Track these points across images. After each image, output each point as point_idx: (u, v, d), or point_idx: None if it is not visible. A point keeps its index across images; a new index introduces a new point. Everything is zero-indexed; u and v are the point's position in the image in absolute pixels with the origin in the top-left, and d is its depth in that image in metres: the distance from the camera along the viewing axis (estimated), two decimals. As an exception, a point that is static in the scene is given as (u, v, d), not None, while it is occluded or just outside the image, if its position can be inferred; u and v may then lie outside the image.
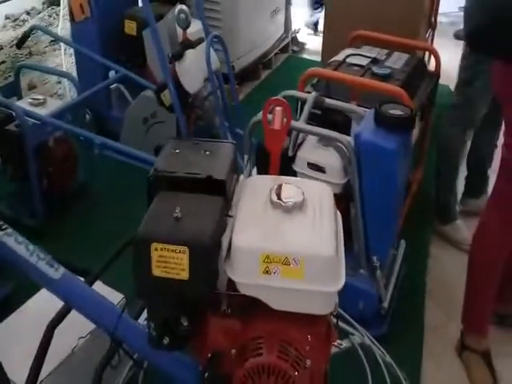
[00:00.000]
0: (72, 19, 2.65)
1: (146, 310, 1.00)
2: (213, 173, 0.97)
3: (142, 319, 1.17)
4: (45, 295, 1.44)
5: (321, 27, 3.94)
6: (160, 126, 2.45)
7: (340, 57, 2.19)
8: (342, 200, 1.61)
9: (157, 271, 0.87)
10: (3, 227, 1.05)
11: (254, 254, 0.87)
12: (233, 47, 2.86)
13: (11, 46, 2.76)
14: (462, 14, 2.02)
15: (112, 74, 2.66)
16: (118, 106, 2.77)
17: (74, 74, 2.82)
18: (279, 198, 0.95)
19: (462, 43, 2.16)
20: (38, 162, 2.07)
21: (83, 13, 2.58)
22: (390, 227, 1.68)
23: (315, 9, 4.52)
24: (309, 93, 1.86)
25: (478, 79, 2.02)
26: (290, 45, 4.10)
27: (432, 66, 2.38)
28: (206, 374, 0.94)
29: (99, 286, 1.26)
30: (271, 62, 3.83)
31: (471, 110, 2.11)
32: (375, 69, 2.06)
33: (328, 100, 1.79)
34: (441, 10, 3.09)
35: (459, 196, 2.39)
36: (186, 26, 2.17)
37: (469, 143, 2.26)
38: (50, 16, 2.98)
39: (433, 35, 3.08)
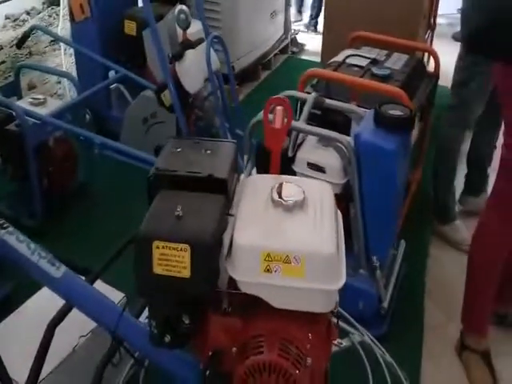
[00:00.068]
0: (72, 19, 2.65)
1: (146, 309, 1.00)
2: (214, 171, 0.97)
3: (143, 318, 1.18)
4: (45, 295, 1.44)
5: (320, 28, 3.96)
6: (160, 126, 2.45)
7: (340, 57, 2.20)
8: (342, 200, 1.62)
9: (158, 269, 0.87)
10: (4, 226, 1.05)
11: (255, 252, 0.88)
12: (232, 48, 2.86)
13: (11, 46, 2.76)
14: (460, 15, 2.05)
15: (112, 74, 2.66)
16: (117, 106, 2.77)
17: (74, 74, 2.82)
18: (280, 196, 0.95)
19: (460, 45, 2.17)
20: (38, 162, 2.08)
21: (83, 13, 2.58)
22: (390, 227, 1.68)
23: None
24: (308, 93, 1.87)
25: (473, 80, 2.03)
26: (290, 46, 4.11)
27: (431, 67, 2.39)
28: (207, 372, 0.94)
29: (100, 285, 1.26)
30: (271, 63, 3.84)
31: (466, 111, 2.12)
32: (375, 69, 2.06)
33: (328, 100, 1.80)
34: (440, 11, 3.11)
35: (458, 194, 2.40)
36: (186, 26, 2.17)
37: (466, 143, 2.27)
38: (49, 16, 2.98)
39: (432, 36, 3.09)
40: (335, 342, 1.27)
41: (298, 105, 1.92)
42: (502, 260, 1.64)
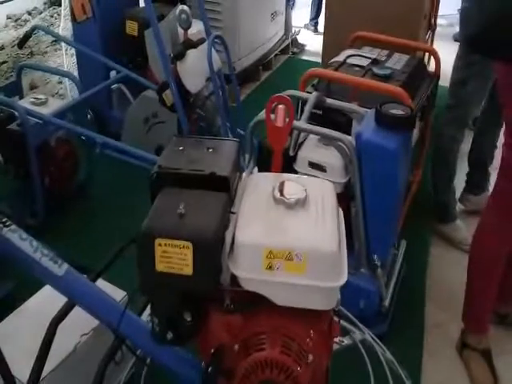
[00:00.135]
0: (73, 19, 2.66)
1: (148, 307, 1.01)
2: (216, 169, 0.98)
3: (145, 317, 1.18)
4: (46, 293, 1.45)
5: (320, 28, 3.97)
6: (161, 125, 2.46)
7: (340, 57, 2.20)
8: (343, 199, 1.62)
9: (160, 266, 0.88)
10: (7, 224, 1.05)
11: (257, 249, 0.88)
12: (233, 48, 2.88)
13: (13, 46, 2.77)
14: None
15: (113, 74, 2.67)
16: (119, 106, 2.78)
17: (76, 74, 2.83)
18: (282, 194, 0.95)
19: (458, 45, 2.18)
20: (39, 161, 2.08)
21: (85, 13, 2.59)
22: (391, 226, 1.69)
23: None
24: (309, 93, 1.87)
25: (471, 80, 2.04)
26: (290, 46, 4.12)
27: (432, 67, 2.39)
28: (209, 369, 0.95)
29: (101, 284, 1.26)
30: (271, 64, 3.85)
31: (464, 111, 2.13)
32: (376, 69, 2.07)
33: (329, 100, 1.80)
34: (440, 12, 3.11)
35: (459, 193, 2.40)
36: (187, 26, 2.18)
37: (466, 143, 2.27)
38: (51, 16, 2.99)
39: (432, 37, 3.09)
40: (336, 340, 1.27)
41: (299, 104, 1.93)
42: (502, 259, 1.65)
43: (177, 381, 1.13)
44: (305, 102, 1.79)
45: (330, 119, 1.87)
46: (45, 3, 2.95)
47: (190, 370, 1.10)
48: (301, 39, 4.28)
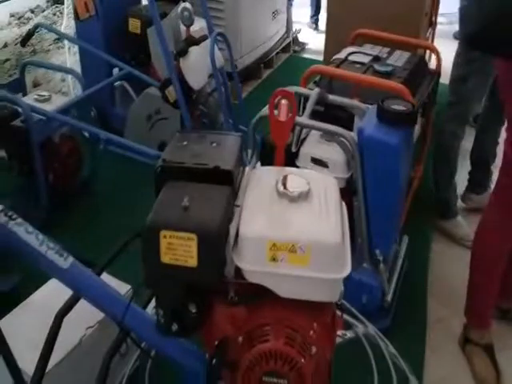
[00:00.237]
0: (76, 17, 2.67)
1: (153, 300, 1.02)
2: (220, 163, 0.99)
3: (149, 310, 1.19)
4: (51, 287, 1.46)
5: (321, 26, 3.98)
6: (164, 122, 2.47)
7: (342, 55, 2.21)
8: (345, 195, 1.62)
9: (165, 258, 0.89)
10: (13, 217, 1.06)
11: (260, 241, 0.89)
12: (235, 46, 2.88)
13: (16, 44, 2.77)
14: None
15: (116, 71, 2.68)
16: (121, 103, 2.79)
17: (79, 71, 2.83)
18: (285, 187, 0.96)
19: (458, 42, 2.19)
20: (43, 158, 2.09)
21: (88, 11, 2.60)
22: (393, 221, 1.70)
23: None
24: (311, 90, 1.88)
25: (471, 77, 2.05)
26: (292, 45, 4.12)
27: (433, 64, 2.40)
28: (214, 361, 0.96)
29: (106, 278, 1.28)
30: (272, 62, 3.86)
31: (465, 108, 2.14)
32: (377, 66, 2.08)
33: (331, 96, 1.81)
34: (440, 10, 3.11)
35: (460, 190, 2.41)
36: (189, 23, 2.20)
37: (467, 140, 2.28)
38: (54, 14, 3.00)
39: (433, 34, 3.09)
40: (339, 333, 1.28)
41: (301, 101, 1.94)
42: (504, 255, 1.66)
43: (181, 373, 1.15)
44: (307, 98, 1.79)
45: (332, 115, 1.88)
46: (48, 1, 2.95)
47: (194, 362, 1.11)
48: (302, 38, 4.29)
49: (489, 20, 1.36)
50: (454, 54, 2.14)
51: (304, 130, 1.76)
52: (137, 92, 2.63)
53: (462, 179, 2.38)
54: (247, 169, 1.12)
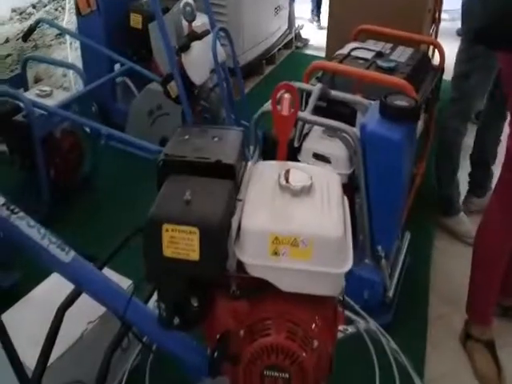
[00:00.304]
0: (78, 12, 2.66)
1: (154, 295, 1.02)
2: (222, 157, 0.99)
3: (151, 304, 1.19)
4: (52, 282, 1.46)
5: (324, 21, 3.96)
6: (165, 118, 2.47)
7: (345, 50, 2.20)
8: (348, 190, 1.62)
9: (168, 252, 0.89)
10: (15, 211, 1.06)
11: (262, 235, 0.89)
12: (237, 42, 2.88)
13: (17, 39, 2.77)
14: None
15: (117, 67, 2.68)
16: (123, 99, 2.79)
17: (80, 67, 2.83)
18: (287, 181, 0.96)
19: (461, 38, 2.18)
20: (45, 153, 2.09)
21: (89, 6, 2.59)
22: (395, 217, 1.69)
23: None
24: (313, 86, 1.87)
25: (473, 73, 2.04)
26: (294, 41, 4.11)
27: (436, 60, 2.39)
28: (215, 354, 0.96)
29: (107, 273, 1.27)
30: (274, 58, 3.85)
31: (467, 104, 2.13)
32: (380, 62, 2.07)
33: (334, 92, 1.80)
34: (444, 7, 3.10)
35: (462, 187, 2.40)
36: (191, 18, 2.19)
37: (469, 138, 2.27)
38: (55, 10, 2.99)
39: (436, 31, 3.08)
40: (341, 328, 1.28)
41: (304, 97, 1.93)
42: (506, 252, 1.65)
43: (182, 367, 1.15)
44: (309, 94, 1.79)
45: (334, 111, 1.87)
46: (49, -4, 2.95)
47: (195, 357, 1.11)
48: (304, 34, 4.28)
49: (493, 18, 1.38)
50: (456, 50, 2.13)
51: (306, 126, 1.75)
52: (138, 87, 2.62)
53: (462, 181, 2.37)
54: (249, 163, 1.12)
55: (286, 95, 1.08)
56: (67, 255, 1.07)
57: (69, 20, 3.00)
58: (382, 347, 1.36)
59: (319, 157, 1.69)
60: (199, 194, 0.92)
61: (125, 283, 1.41)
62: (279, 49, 3.90)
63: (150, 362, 1.25)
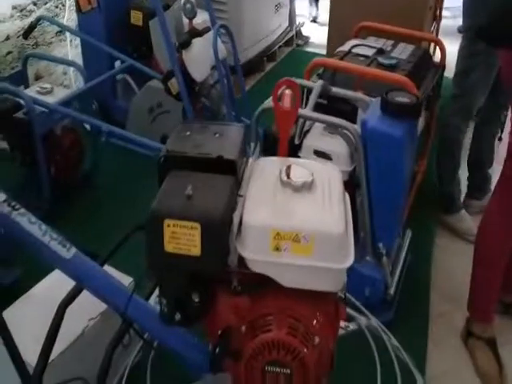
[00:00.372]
0: (78, 10, 2.65)
1: (155, 292, 1.01)
2: (223, 153, 0.98)
3: (152, 301, 1.19)
4: (53, 279, 1.46)
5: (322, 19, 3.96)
6: (165, 115, 2.46)
7: (345, 47, 2.20)
8: (349, 187, 1.62)
9: (169, 247, 0.89)
10: (16, 207, 1.06)
11: (264, 230, 0.89)
12: (237, 40, 2.85)
13: (18, 37, 2.77)
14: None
15: (118, 64, 2.67)
16: (123, 96, 2.78)
17: (81, 64, 2.83)
18: (289, 177, 0.96)
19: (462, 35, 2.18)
20: (45, 150, 2.09)
21: (90, 3, 2.58)
22: (396, 214, 1.69)
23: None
24: (314, 82, 1.87)
25: (475, 70, 2.03)
26: (295, 38, 4.10)
27: (437, 57, 2.38)
28: (217, 350, 0.96)
29: (108, 270, 1.27)
30: (275, 55, 3.84)
31: (469, 101, 2.12)
32: (381, 59, 2.06)
33: (335, 88, 1.80)
34: (445, 4, 3.09)
35: (464, 192, 2.40)
36: (192, 15, 2.19)
37: (468, 134, 2.27)
38: (56, 7, 2.99)
39: (437, 29, 3.07)
40: (342, 325, 1.28)
41: (304, 94, 1.93)
42: (507, 250, 1.65)
43: (183, 364, 1.15)
44: (310, 90, 1.78)
45: (335, 108, 1.87)
46: (49, -6, 2.95)
47: (196, 353, 1.11)
48: (305, 31, 4.27)
49: (494, 17, 1.40)
50: (458, 47, 2.13)
51: (307, 123, 1.75)
52: (139, 85, 2.62)
53: (463, 178, 2.37)
54: (250, 160, 1.11)
55: (287, 91, 1.07)
56: (68, 252, 1.07)
57: (69, 17, 3.00)
58: (383, 344, 1.36)
59: (320, 154, 1.69)
60: (200, 189, 0.91)
61: (125, 280, 1.41)
62: (280, 46, 3.89)
63: (151, 359, 1.25)
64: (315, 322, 0.94)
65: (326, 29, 2.97)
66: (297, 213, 0.91)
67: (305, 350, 0.91)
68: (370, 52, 2.14)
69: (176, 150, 1.00)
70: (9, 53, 2.77)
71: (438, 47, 2.33)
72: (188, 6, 2.15)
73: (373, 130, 1.56)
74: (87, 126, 2.34)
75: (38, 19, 2.56)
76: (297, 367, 0.91)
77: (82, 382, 1.27)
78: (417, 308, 1.90)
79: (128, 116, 2.57)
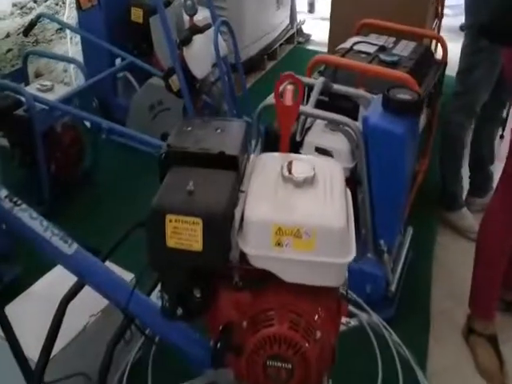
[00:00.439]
0: (79, 7, 2.65)
1: (157, 287, 1.01)
2: (225, 149, 0.98)
3: (153, 297, 1.19)
4: (54, 276, 1.46)
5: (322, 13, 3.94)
6: (166, 113, 2.46)
7: (347, 44, 2.20)
8: (350, 184, 1.61)
9: (171, 242, 0.88)
10: (18, 203, 1.06)
11: (265, 226, 0.89)
12: (238, 37, 2.85)
13: (18, 34, 2.76)
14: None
15: (118, 62, 2.67)
16: (124, 94, 2.78)
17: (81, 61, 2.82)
18: (290, 173, 0.96)
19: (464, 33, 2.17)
20: (45, 147, 2.09)
21: (90, 0, 2.58)
22: (397, 211, 1.69)
23: None
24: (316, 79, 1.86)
25: (478, 67, 2.03)
26: (296, 36, 4.10)
27: (439, 54, 2.38)
28: (218, 345, 0.96)
29: (109, 266, 1.27)
30: (276, 53, 3.83)
31: (472, 98, 2.12)
32: (383, 56, 2.06)
33: (336, 85, 1.80)
34: (447, 2, 3.08)
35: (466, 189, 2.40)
36: (192, 12, 2.18)
37: (470, 132, 2.27)
38: (56, 4, 2.99)
39: (439, 26, 3.07)
40: (343, 321, 1.28)
41: (306, 91, 1.92)
42: (507, 250, 1.65)
43: (185, 359, 1.15)
44: (311, 88, 1.78)
45: (337, 106, 1.86)
46: (50, -9, 2.95)
47: (198, 349, 1.11)
48: (306, 29, 4.26)
49: (496, 14, 1.40)
50: (460, 46, 2.13)
51: (309, 120, 1.75)
52: (139, 82, 2.62)
53: (464, 178, 2.36)
54: (252, 156, 1.11)
55: (289, 86, 1.07)
56: (70, 247, 1.07)
57: (69, 15, 2.99)
58: (384, 341, 1.36)
59: (321, 151, 1.69)
60: (202, 185, 0.91)
61: (127, 277, 1.41)
62: (281, 44, 3.88)
63: (153, 354, 1.25)
64: (317, 316, 0.94)
65: (327, 26, 2.97)
66: (298, 208, 0.90)
67: (306, 344, 0.91)
68: (371, 49, 2.14)
69: (177, 145, 1.00)
70: (9, 50, 2.76)
71: (439, 44, 2.33)
72: (189, 2, 2.15)
73: (374, 127, 1.55)
74: (87, 124, 2.34)
75: (38, 17, 2.56)
76: (298, 362, 0.91)
77: (84, 378, 1.27)
78: (418, 305, 1.90)
79: (128, 114, 2.56)
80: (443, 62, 2.25)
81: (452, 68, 2.25)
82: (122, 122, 2.49)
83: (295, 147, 1.70)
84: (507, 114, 2.80)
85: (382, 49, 2.15)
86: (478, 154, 2.34)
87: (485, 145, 2.32)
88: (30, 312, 1.35)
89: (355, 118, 1.74)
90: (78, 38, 3.00)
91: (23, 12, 2.81)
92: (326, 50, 2.97)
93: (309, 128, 1.77)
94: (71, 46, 3.09)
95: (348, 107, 1.86)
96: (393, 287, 1.70)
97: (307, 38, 4.21)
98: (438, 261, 2.12)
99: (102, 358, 1.13)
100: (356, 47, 2.15)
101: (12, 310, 1.33)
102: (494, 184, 1.96)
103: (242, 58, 3.19)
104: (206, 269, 0.92)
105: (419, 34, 2.37)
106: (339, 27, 2.77)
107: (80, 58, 2.84)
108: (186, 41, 2.07)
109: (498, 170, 1.60)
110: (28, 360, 1.12)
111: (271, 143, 1.62)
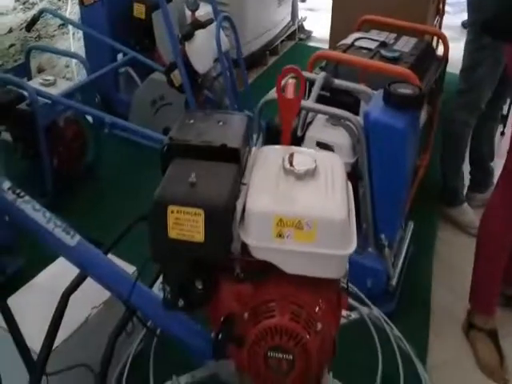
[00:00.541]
0: (81, 2, 2.65)
1: (159, 279, 1.02)
2: (227, 141, 0.99)
3: (155, 289, 1.20)
4: (56, 268, 1.47)
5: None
6: (168, 108, 2.47)
7: (348, 40, 2.20)
8: (351, 179, 1.62)
9: (173, 233, 0.89)
10: (21, 194, 1.07)
11: (267, 217, 0.89)
12: (240, 33, 2.85)
13: (21, 29, 2.77)
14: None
15: (120, 57, 2.67)
16: (126, 89, 2.78)
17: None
18: (292, 165, 0.96)
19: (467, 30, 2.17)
20: (48, 141, 2.09)
21: (92, -4, 2.58)
22: (398, 206, 1.69)
23: None
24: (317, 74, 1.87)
25: (481, 65, 2.03)
26: (297, 32, 4.10)
27: (440, 51, 2.38)
28: (220, 337, 0.96)
29: (112, 259, 1.28)
30: (278, 49, 3.84)
31: (476, 95, 2.12)
32: (384, 52, 2.06)
33: (337, 80, 1.80)
34: (448, 0, 3.08)
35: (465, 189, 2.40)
36: (194, 8, 2.19)
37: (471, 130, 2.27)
38: (58, 0, 2.99)
39: (440, 23, 3.06)
40: (344, 314, 1.29)
41: (307, 86, 1.92)
42: (509, 243, 1.65)
43: (186, 351, 1.15)
44: (312, 83, 1.78)
45: (338, 101, 1.87)
46: (52, -13, 2.95)
47: (199, 341, 1.12)
48: (307, 26, 4.26)
49: (500, 10, 1.39)
50: (460, 43, 2.13)
51: (310, 114, 1.75)
52: (141, 77, 2.62)
53: (465, 174, 2.36)
54: (254, 149, 1.12)
55: (291, 80, 1.08)
56: (72, 239, 1.08)
57: (72, 10, 2.99)
58: (385, 335, 1.37)
59: (322, 145, 1.69)
60: (204, 177, 0.92)
61: (129, 269, 1.41)
62: (282, 40, 3.88)
63: (154, 346, 1.26)
64: (318, 308, 0.95)
65: (328, 23, 2.96)
66: (299, 200, 0.91)
67: (307, 335, 0.92)
68: (372, 45, 2.14)
69: (179, 138, 1.01)
70: (12, 45, 2.77)
71: (440, 41, 2.33)
72: (190, -2, 2.15)
73: (375, 122, 1.56)
74: (90, 118, 2.35)
75: (41, 12, 2.56)
76: (299, 353, 0.92)
77: (86, 369, 1.28)
78: (418, 299, 1.90)
79: (130, 109, 2.57)
80: (444, 59, 2.25)
81: (453, 66, 2.25)
82: (124, 116, 2.50)
83: (296, 142, 1.70)
84: (508, 111, 2.80)
85: (383, 45, 2.15)
86: (478, 152, 2.34)
87: (485, 142, 2.32)
88: (33, 304, 1.36)
89: (356, 113, 1.75)
90: (80, 34, 3.00)
91: (26, 7, 2.81)
92: (327, 46, 2.96)
93: (310, 123, 1.77)
94: (73, 41, 3.09)
95: (349, 102, 1.86)
96: (393, 281, 1.71)
97: (308, 34, 4.20)
98: (439, 256, 2.13)
99: (103, 349, 1.14)
100: (357, 43, 2.15)
101: (15, 302, 1.34)
102: (495, 179, 1.96)
103: (243, 53, 3.18)
104: (207, 260, 0.92)
105: (420, 30, 2.37)
106: (340, 23, 2.76)
107: (82, 53, 2.85)
108: (188, 36, 2.08)
109: (498, 166, 1.60)
110: (30, 351, 1.13)
111: (272, 138, 1.62)
